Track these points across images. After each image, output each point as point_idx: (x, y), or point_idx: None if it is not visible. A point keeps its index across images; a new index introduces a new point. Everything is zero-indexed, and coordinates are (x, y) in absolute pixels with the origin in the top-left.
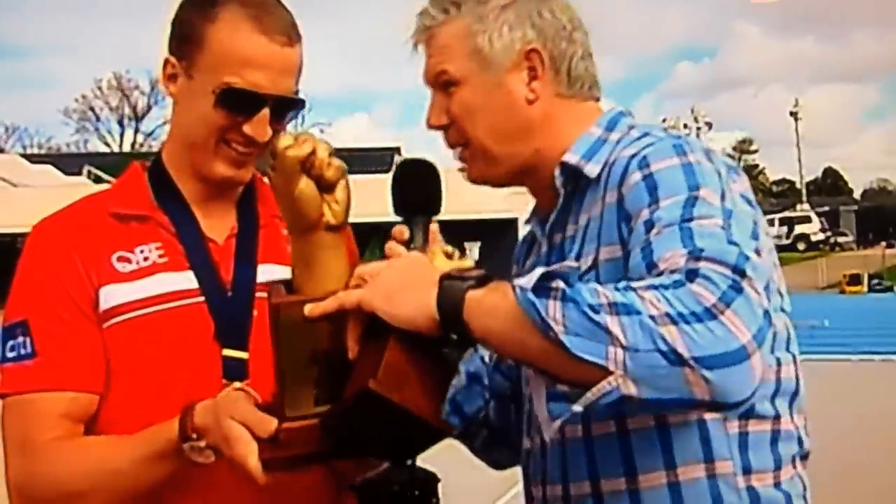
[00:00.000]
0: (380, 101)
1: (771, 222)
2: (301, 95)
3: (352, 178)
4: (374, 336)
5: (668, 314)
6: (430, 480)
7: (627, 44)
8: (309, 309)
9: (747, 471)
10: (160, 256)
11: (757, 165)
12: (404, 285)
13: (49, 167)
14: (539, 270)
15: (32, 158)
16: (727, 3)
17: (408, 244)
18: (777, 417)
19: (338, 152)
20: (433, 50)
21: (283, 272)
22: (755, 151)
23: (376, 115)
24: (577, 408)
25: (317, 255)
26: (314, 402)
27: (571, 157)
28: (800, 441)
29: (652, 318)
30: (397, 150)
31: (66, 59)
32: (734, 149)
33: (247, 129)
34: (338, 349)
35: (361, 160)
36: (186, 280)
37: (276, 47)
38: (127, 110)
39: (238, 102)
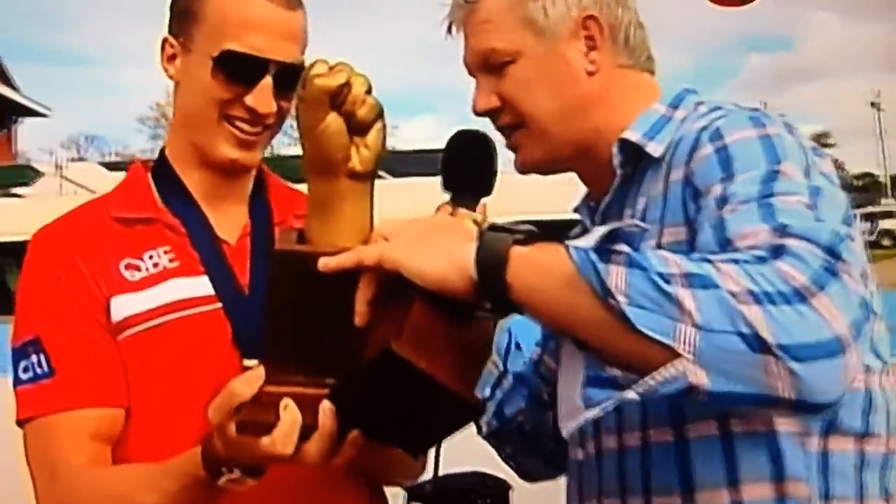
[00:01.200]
0: (445, 100)
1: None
2: None
3: (417, 180)
4: (392, 301)
5: (750, 291)
6: (502, 488)
7: (696, 35)
8: (323, 262)
9: (828, 497)
10: (171, 261)
11: (836, 160)
12: (434, 240)
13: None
14: (601, 229)
15: (110, 166)
16: None
17: None
18: (866, 435)
19: (403, 155)
20: (477, 27)
21: None
22: (833, 145)
23: (442, 115)
24: (632, 395)
25: (335, 204)
26: (306, 369)
27: (632, 134)
28: None
29: (731, 294)
30: None
31: (139, 68)
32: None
33: (249, 100)
34: (342, 313)
35: (426, 161)
36: (200, 285)
37: (276, 8)
38: None
39: (238, 68)
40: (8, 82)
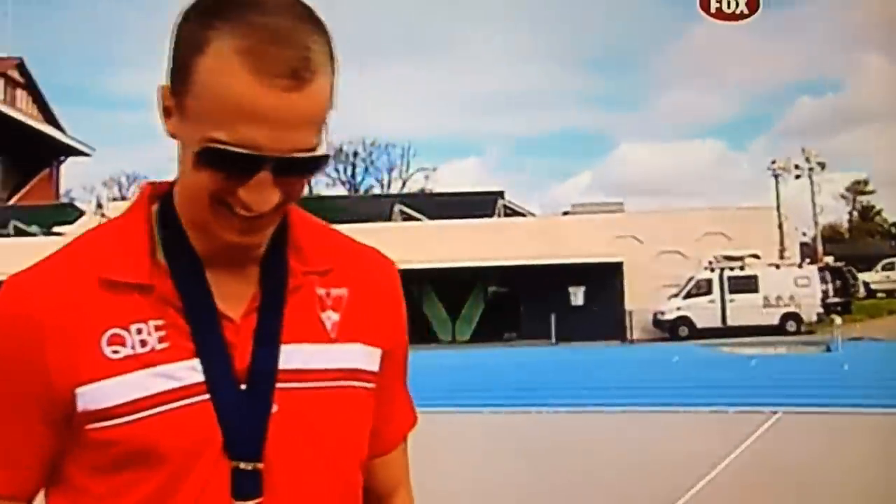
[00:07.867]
0: (491, 144)
1: (890, 266)
2: (367, 142)
3: (453, 222)
4: None
5: None
6: None
7: (743, 78)
8: None
9: None
10: (160, 340)
11: (873, 207)
12: None
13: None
14: None
15: None
16: (856, 33)
17: None
18: None
19: (438, 197)
20: None
21: (313, 352)
22: (872, 192)
23: (487, 159)
24: None
25: None
26: None
27: None
28: None
29: None
30: (500, 194)
31: None
32: (847, 189)
33: (242, 193)
34: None
35: (463, 205)
36: (192, 371)
37: (277, 94)
38: None
39: (226, 163)
40: (55, 124)
